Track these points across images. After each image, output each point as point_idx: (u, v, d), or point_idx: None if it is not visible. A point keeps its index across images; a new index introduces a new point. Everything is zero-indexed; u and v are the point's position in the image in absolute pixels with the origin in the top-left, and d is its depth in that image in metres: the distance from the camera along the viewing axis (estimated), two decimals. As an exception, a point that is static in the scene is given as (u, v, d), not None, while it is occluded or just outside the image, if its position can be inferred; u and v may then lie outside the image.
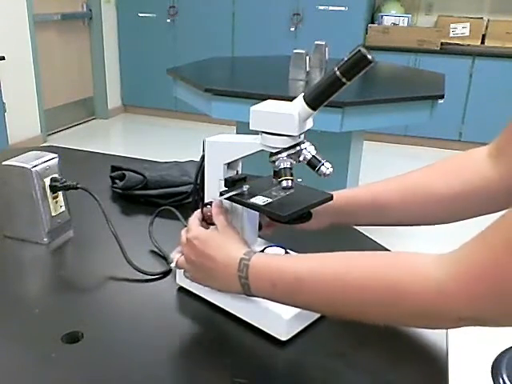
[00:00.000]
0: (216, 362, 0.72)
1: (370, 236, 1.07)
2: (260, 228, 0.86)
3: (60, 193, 1.03)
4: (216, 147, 0.81)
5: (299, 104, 0.71)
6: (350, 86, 0.69)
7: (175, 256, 0.83)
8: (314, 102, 0.70)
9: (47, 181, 1.00)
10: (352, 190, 0.90)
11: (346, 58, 0.67)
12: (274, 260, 0.71)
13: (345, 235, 1.11)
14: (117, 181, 1.24)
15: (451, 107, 4.35)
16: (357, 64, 0.66)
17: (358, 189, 0.91)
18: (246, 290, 0.71)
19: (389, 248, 1.02)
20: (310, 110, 0.71)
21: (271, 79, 2.94)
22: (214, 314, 0.80)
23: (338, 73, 0.67)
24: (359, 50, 0.66)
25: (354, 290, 0.62)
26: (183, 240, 0.79)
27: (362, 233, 1.09)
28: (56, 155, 1.03)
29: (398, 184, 0.87)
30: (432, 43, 4.50)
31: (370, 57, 0.65)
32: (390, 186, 0.87)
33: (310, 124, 0.75)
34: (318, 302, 0.67)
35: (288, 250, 0.82)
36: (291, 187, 0.74)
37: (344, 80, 0.68)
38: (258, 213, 0.82)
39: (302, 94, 0.72)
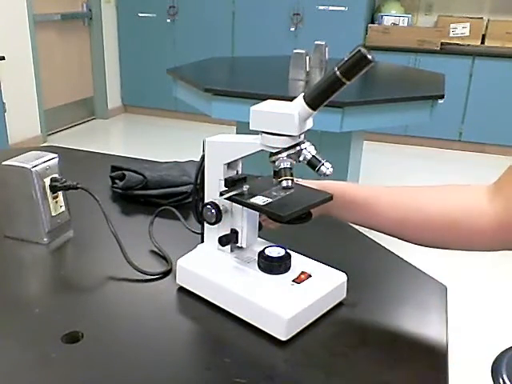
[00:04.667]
0: (216, 361, 0.72)
1: (370, 236, 1.07)
2: (260, 228, 0.86)
3: (60, 193, 1.03)
4: (216, 147, 0.81)
5: (299, 104, 0.71)
6: (350, 85, 0.69)
7: None
8: (314, 102, 0.70)
9: (47, 181, 0.99)
10: (345, 184, 0.89)
11: (346, 58, 0.67)
12: None
13: (345, 235, 1.11)
14: (117, 181, 1.24)
15: (451, 107, 4.36)
16: (357, 64, 0.66)
17: (350, 184, 0.91)
18: None
19: (388, 247, 1.02)
20: (310, 110, 0.71)
21: (271, 79, 2.94)
22: (214, 314, 0.80)
23: (338, 73, 0.67)
24: (359, 50, 0.66)
25: None
26: None
27: (361, 232, 1.09)
28: (56, 155, 1.03)
29: (393, 190, 0.86)
30: (432, 43, 4.50)
31: (369, 57, 0.65)
32: (383, 189, 0.86)
33: (309, 124, 0.75)
34: None
35: (288, 250, 0.82)
36: (291, 187, 0.74)
37: (344, 80, 0.68)
38: (258, 213, 0.82)
39: (302, 94, 0.72)
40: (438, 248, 0.82)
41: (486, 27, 4.61)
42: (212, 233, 0.85)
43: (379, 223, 0.84)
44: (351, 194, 0.86)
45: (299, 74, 2.74)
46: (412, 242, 0.83)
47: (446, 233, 0.79)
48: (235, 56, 4.78)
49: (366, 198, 0.85)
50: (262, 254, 0.81)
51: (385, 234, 0.85)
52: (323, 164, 0.74)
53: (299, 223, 0.80)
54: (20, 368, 0.70)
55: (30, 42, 4.35)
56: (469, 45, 4.62)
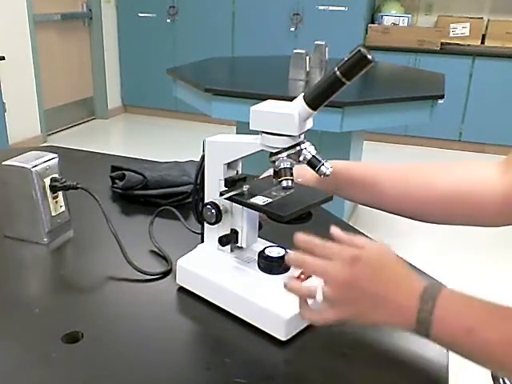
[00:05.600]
0: (216, 362, 0.72)
1: (369, 236, 1.07)
2: (260, 228, 0.86)
3: (60, 193, 1.03)
4: (216, 147, 0.81)
5: (299, 104, 0.71)
6: (350, 85, 0.69)
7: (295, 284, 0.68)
8: (314, 102, 0.70)
9: (47, 181, 1.00)
10: (349, 162, 0.90)
11: (346, 58, 0.67)
12: (471, 301, 0.59)
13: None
14: (117, 181, 1.24)
15: (451, 107, 4.35)
16: (357, 64, 0.66)
17: (354, 162, 0.92)
18: (422, 331, 0.59)
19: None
20: (310, 110, 0.71)
21: (271, 79, 2.94)
22: (214, 314, 0.80)
23: (338, 73, 0.67)
24: (359, 50, 0.66)
25: None
26: (340, 255, 0.64)
27: (362, 233, 1.09)
28: (56, 155, 1.03)
29: (396, 167, 0.86)
30: (432, 43, 4.50)
31: (369, 57, 0.65)
32: (389, 167, 0.87)
33: (309, 124, 0.75)
34: None
35: (288, 250, 0.82)
36: (291, 187, 0.74)
37: (344, 80, 0.68)
38: (258, 213, 0.82)
39: (302, 94, 0.72)
40: (440, 223, 0.81)
41: (486, 27, 4.61)
42: (212, 233, 0.85)
43: (383, 201, 0.85)
44: (355, 173, 0.87)
45: (299, 74, 2.74)
46: (415, 219, 0.83)
47: (450, 206, 0.78)
48: (235, 56, 4.78)
49: (370, 176, 0.86)
50: (261, 254, 0.81)
51: (388, 211, 0.85)
52: (323, 164, 0.74)
53: (299, 223, 0.80)
54: (20, 368, 0.70)
55: (30, 42, 4.34)
56: (469, 45, 4.62)
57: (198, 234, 0.92)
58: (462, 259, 2.88)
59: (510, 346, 0.56)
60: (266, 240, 0.88)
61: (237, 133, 3.02)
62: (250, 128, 0.76)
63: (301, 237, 0.66)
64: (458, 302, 0.60)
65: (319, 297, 0.64)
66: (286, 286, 0.68)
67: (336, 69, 0.68)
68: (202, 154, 0.83)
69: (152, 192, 1.18)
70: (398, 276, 0.63)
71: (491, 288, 2.64)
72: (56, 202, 1.02)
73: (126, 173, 1.21)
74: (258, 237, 0.87)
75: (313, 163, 0.74)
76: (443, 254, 2.91)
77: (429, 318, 0.58)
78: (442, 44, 4.53)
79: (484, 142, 4.63)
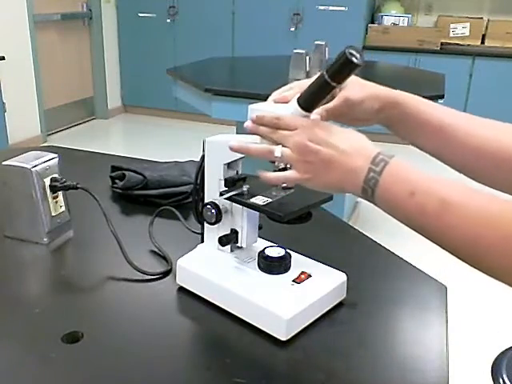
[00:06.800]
0: (216, 362, 0.72)
1: (370, 235, 1.07)
2: (260, 228, 0.86)
3: (60, 193, 1.03)
4: (216, 147, 0.81)
5: (293, 105, 0.71)
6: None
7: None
8: (305, 104, 0.70)
9: (47, 181, 1.00)
10: (420, 100, 0.82)
11: (334, 61, 0.66)
12: (420, 171, 0.61)
13: (345, 235, 1.11)
14: (117, 181, 1.24)
15: (451, 107, 4.35)
16: (343, 68, 0.65)
17: (424, 101, 0.83)
18: (368, 190, 0.61)
19: (389, 248, 1.02)
20: (303, 112, 0.70)
21: (271, 79, 2.94)
22: (214, 314, 0.80)
23: (326, 76, 0.67)
24: (344, 53, 0.64)
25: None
26: (294, 124, 0.67)
27: (362, 233, 1.09)
28: (56, 155, 1.03)
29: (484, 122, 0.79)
30: (432, 43, 4.50)
31: (356, 60, 0.63)
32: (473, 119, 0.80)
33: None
34: (455, 236, 0.58)
35: (288, 250, 0.82)
36: (291, 187, 0.74)
37: (334, 84, 0.67)
38: (258, 213, 0.82)
39: (298, 95, 0.71)
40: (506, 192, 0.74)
41: (486, 27, 4.61)
42: (212, 233, 0.85)
43: (453, 152, 0.77)
44: (426, 114, 0.80)
45: (299, 74, 2.74)
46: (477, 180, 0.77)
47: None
48: (235, 56, 4.78)
49: (441, 120, 0.80)
50: (261, 253, 0.81)
51: (452, 166, 0.78)
52: None
53: (299, 223, 0.80)
54: (20, 368, 0.70)
55: (30, 42, 4.34)
56: (469, 45, 4.62)
57: (198, 233, 0.92)
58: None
59: (444, 216, 0.57)
60: (266, 240, 0.88)
61: (237, 133, 3.02)
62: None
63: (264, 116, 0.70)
64: (406, 169, 0.62)
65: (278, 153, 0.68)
66: (232, 147, 0.73)
67: (325, 72, 0.67)
68: (202, 153, 0.83)
69: (152, 192, 1.18)
70: (354, 142, 0.65)
71: (493, 289, 2.64)
72: (56, 202, 1.02)
73: (126, 173, 1.21)
74: (258, 237, 0.87)
75: None
76: (445, 254, 2.91)
77: (376, 178, 0.60)
78: (442, 44, 4.53)
79: (484, 142, 4.63)
